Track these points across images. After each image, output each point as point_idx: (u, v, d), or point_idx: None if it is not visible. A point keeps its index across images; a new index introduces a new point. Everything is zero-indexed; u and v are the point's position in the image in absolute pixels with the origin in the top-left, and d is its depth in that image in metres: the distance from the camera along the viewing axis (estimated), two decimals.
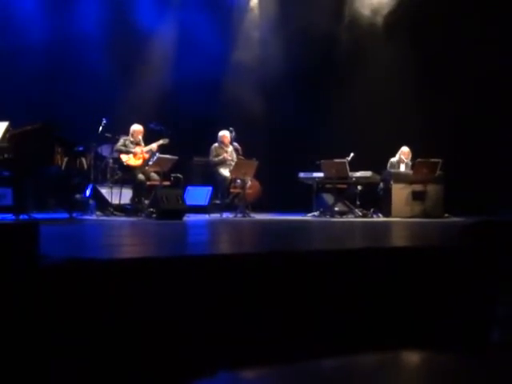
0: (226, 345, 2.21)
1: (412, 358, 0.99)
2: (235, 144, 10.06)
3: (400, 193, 9.36)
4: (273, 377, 0.86)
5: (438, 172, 9.37)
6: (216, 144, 9.85)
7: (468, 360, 0.95)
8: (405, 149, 9.82)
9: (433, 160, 9.38)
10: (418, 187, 9.33)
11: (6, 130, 6.68)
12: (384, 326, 2.54)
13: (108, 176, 9.47)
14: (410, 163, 9.75)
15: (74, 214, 7.90)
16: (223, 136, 9.86)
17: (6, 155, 6.51)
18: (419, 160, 9.48)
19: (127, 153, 8.98)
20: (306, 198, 9.87)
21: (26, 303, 1.95)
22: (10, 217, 6.82)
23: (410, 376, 0.92)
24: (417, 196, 9.31)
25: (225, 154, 9.76)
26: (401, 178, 9.50)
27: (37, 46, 10.21)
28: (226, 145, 9.88)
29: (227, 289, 2.36)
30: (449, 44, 10.21)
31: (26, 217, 6.79)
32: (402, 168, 9.82)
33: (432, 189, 9.33)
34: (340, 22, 11.38)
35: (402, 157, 9.84)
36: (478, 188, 9.32)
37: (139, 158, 9.01)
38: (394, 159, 9.86)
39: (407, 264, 2.91)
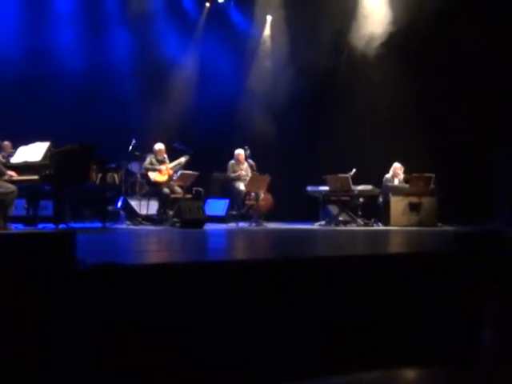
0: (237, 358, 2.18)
1: (409, 374, 0.97)
2: (250, 161, 10.06)
3: (398, 204, 9.31)
4: None
5: (432, 186, 9.34)
6: (232, 161, 9.87)
7: (460, 375, 0.94)
8: (397, 165, 9.77)
9: (427, 175, 9.35)
10: (413, 199, 9.28)
11: (48, 149, 6.73)
12: (385, 331, 2.51)
13: (137, 190, 9.52)
14: (403, 176, 9.71)
15: (107, 224, 7.94)
16: (239, 154, 9.88)
17: (47, 171, 6.55)
18: (415, 175, 9.45)
19: (154, 170, 9.03)
20: (313, 209, 9.86)
21: (64, 302, 1.95)
22: (50, 226, 6.87)
23: None
24: (413, 207, 9.26)
25: (241, 171, 9.77)
26: (398, 191, 9.46)
27: (74, 75, 10.30)
28: (242, 162, 9.89)
29: (242, 294, 2.35)
30: (438, 70, 10.18)
31: (64, 226, 6.82)
32: (396, 182, 9.77)
33: (426, 201, 9.28)
34: (340, 53, 11.38)
35: (396, 172, 9.79)
36: (468, 200, 9.26)
37: (164, 175, 9.04)
38: (388, 175, 9.81)
39: (404, 267, 2.89)
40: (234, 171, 9.78)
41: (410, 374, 0.95)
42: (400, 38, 10.58)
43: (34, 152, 6.74)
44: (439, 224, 9.05)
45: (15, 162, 6.75)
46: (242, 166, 9.86)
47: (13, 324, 1.84)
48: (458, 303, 2.62)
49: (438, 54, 10.25)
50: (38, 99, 9.70)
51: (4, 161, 6.90)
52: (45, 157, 6.66)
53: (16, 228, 6.45)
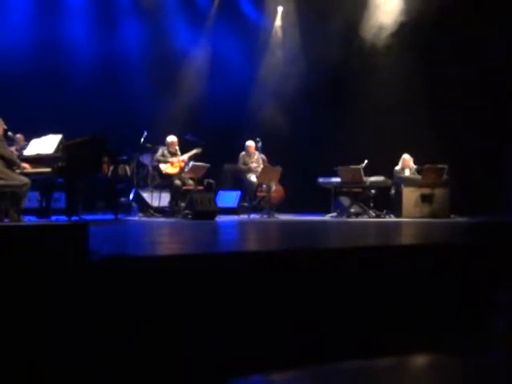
0: (247, 346, 2.18)
1: (422, 360, 0.97)
2: (262, 155, 10.06)
3: (410, 195, 9.27)
4: (301, 378, 0.85)
5: (445, 177, 9.28)
6: (243, 152, 9.88)
7: (473, 361, 0.94)
8: (406, 156, 9.70)
9: (439, 166, 9.29)
10: (426, 190, 9.23)
11: (60, 142, 6.77)
12: (396, 319, 2.50)
13: (149, 182, 9.54)
14: (414, 167, 9.65)
15: (119, 216, 7.98)
16: (249, 146, 9.89)
17: (60, 164, 6.59)
18: (427, 166, 9.37)
19: (165, 162, 9.04)
20: (324, 200, 9.83)
21: (77, 293, 1.96)
22: (63, 218, 6.91)
23: (421, 378, 0.91)
24: (425, 198, 9.22)
25: (254, 164, 9.78)
26: (410, 182, 9.40)
27: (86, 67, 10.33)
28: (252, 153, 9.90)
29: (254, 285, 2.35)
30: (449, 60, 10.08)
31: (77, 218, 6.87)
32: (407, 173, 9.71)
33: (439, 192, 9.23)
34: (351, 44, 11.27)
35: (405, 164, 9.72)
36: (480, 191, 9.19)
37: (176, 167, 9.06)
38: (397, 167, 9.74)
39: (416, 258, 2.88)
40: (245, 163, 9.79)
41: (422, 360, 0.95)
42: (411, 28, 10.49)
43: (46, 144, 6.78)
44: (452, 215, 9.00)
45: (28, 155, 6.80)
46: (252, 157, 9.86)
47: (25, 315, 1.86)
48: (470, 293, 2.61)
49: (450, 44, 10.15)
50: (49, 92, 9.73)
51: (17, 153, 6.95)
52: (57, 149, 6.70)
53: (29, 220, 6.50)
